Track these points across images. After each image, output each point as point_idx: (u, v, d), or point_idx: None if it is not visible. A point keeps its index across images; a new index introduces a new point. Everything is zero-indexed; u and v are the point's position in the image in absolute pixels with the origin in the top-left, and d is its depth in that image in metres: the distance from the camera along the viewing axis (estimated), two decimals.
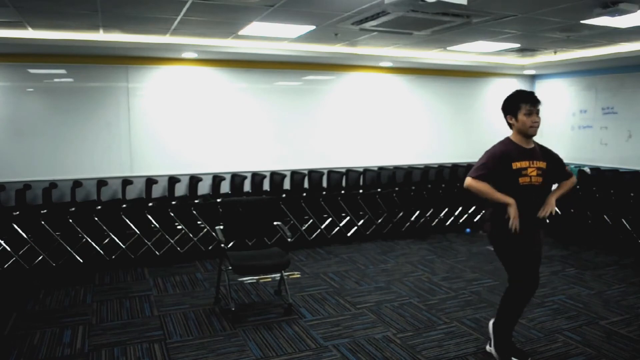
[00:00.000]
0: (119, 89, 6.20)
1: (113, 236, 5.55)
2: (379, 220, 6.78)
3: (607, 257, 5.77)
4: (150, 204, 5.71)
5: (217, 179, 6.47)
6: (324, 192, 6.60)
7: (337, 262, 5.65)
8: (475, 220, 7.29)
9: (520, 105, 3.05)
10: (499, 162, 3.01)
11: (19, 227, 5.20)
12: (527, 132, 3.05)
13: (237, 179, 6.56)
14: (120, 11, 4.35)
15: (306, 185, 6.92)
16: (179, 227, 5.79)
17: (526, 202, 2.99)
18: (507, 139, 3.15)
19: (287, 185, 6.82)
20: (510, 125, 3.14)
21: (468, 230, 7.12)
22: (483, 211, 3.36)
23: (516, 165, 3.00)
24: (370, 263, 5.62)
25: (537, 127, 3.05)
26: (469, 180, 3.03)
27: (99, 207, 5.53)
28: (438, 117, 8.01)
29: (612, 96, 7.34)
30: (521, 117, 3.04)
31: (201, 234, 5.88)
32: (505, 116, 3.17)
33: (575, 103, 7.91)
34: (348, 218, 6.60)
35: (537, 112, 3.05)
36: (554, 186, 3.18)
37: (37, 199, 5.78)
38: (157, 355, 3.40)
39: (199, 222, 5.87)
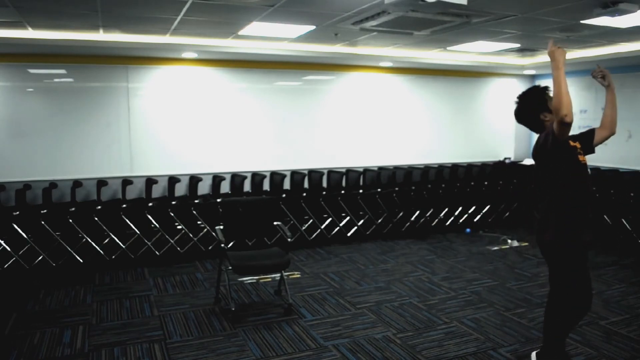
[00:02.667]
0: (119, 89, 6.20)
1: (113, 236, 5.55)
2: (379, 220, 6.78)
3: (607, 257, 5.77)
4: (150, 204, 5.70)
5: (217, 179, 6.47)
6: (324, 192, 6.60)
7: (337, 262, 5.65)
8: (475, 220, 7.30)
9: (546, 98, 2.84)
10: (562, 141, 2.70)
11: (19, 227, 5.20)
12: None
13: (237, 179, 6.56)
14: (120, 11, 4.35)
15: (306, 185, 6.92)
16: (179, 227, 5.79)
17: (586, 187, 2.85)
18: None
19: (287, 185, 6.82)
20: (542, 124, 2.85)
21: (468, 230, 7.11)
22: (539, 218, 2.98)
23: (572, 143, 2.81)
24: (370, 263, 5.62)
25: None
26: (566, 107, 2.50)
27: (99, 207, 5.53)
28: (438, 117, 8.01)
29: None
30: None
31: (201, 234, 5.88)
32: (537, 116, 2.85)
33: (575, 103, 7.78)
34: (348, 218, 6.60)
35: None
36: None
37: (37, 199, 5.78)
38: (157, 355, 3.40)
39: (199, 222, 5.87)
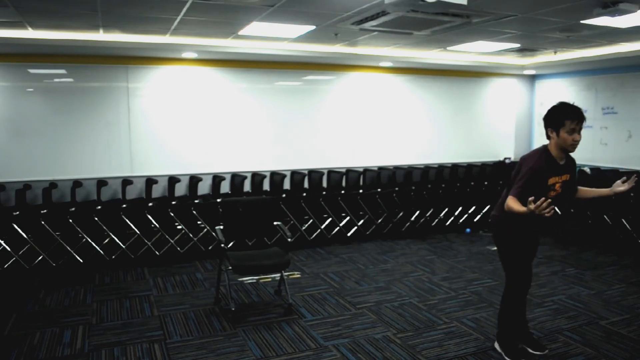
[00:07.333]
0: (119, 89, 6.20)
1: (113, 236, 5.55)
2: (379, 220, 6.78)
3: (607, 257, 5.77)
4: (150, 204, 5.71)
5: (217, 179, 6.47)
6: (324, 192, 6.60)
7: (337, 262, 5.65)
8: (475, 220, 7.29)
9: (565, 122, 2.90)
10: (538, 179, 2.93)
11: (19, 227, 5.20)
12: (567, 150, 2.99)
13: (237, 179, 6.56)
14: (120, 11, 4.35)
15: (306, 185, 6.92)
16: (179, 227, 5.79)
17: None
18: (546, 150, 3.02)
19: (287, 185, 6.82)
20: (549, 137, 3.02)
21: (468, 230, 7.11)
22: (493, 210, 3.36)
23: (550, 181, 2.98)
24: (370, 263, 5.62)
25: (577, 145, 2.96)
26: (511, 202, 2.88)
27: (99, 207, 5.53)
28: (438, 117, 8.01)
29: (612, 96, 7.34)
30: (563, 134, 2.92)
31: (201, 234, 5.88)
32: (545, 127, 3.03)
33: (575, 103, 7.85)
34: (348, 218, 6.60)
35: (580, 129, 2.93)
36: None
37: (37, 199, 5.78)
38: (157, 355, 3.40)
39: (199, 222, 5.87)
